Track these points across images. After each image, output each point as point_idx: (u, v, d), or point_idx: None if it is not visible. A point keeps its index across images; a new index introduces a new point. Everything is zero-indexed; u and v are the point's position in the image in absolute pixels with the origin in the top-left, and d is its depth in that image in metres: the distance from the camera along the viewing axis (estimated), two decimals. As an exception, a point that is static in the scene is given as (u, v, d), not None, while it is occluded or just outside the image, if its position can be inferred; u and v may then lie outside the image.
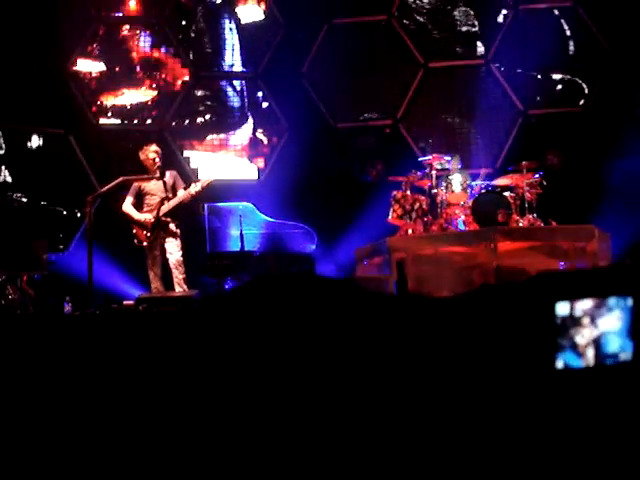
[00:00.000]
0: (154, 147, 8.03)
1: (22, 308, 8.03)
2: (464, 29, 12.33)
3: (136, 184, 7.97)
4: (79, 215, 10.80)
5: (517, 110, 11.97)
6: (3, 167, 10.93)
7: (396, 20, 12.20)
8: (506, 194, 9.13)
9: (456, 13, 12.30)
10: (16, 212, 10.78)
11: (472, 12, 12.24)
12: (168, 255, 7.89)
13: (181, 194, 7.91)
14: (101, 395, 3.78)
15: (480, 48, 12.31)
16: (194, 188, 7.84)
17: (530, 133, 11.79)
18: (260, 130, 12.18)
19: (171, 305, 6.60)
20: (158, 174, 7.87)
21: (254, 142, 12.14)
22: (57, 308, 8.11)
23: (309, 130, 11.69)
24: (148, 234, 7.88)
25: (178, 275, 7.84)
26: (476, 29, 12.31)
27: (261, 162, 12.07)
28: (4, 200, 10.80)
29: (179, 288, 7.78)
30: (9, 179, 10.91)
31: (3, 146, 10.95)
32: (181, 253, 7.89)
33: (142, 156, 8.03)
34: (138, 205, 8.00)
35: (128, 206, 7.96)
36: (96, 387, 4.02)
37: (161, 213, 7.85)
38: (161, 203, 7.89)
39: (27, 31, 10.65)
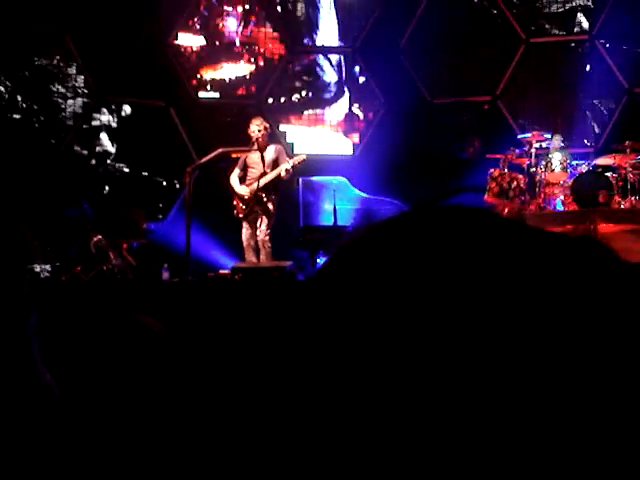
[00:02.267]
0: (257, 121, 8.14)
1: (123, 274, 8.30)
2: (569, 3, 11.97)
3: (243, 156, 8.12)
4: (178, 186, 11.06)
5: (622, 88, 11.54)
6: (106, 137, 11.26)
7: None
8: (608, 174, 8.86)
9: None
10: (118, 182, 11.13)
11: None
12: (257, 231, 8.04)
13: (277, 170, 8.02)
14: (199, 359, 3.89)
15: (584, 24, 11.92)
16: (286, 165, 7.93)
17: (635, 112, 11.37)
18: (356, 105, 12.15)
19: (265, 275, 6.72)
20: (256, 147, 7.97)
21: (350, 117, 12.13)
22: (156, 275, 8.35)
23: (405, 105, 11.58)
24: (244, 207, 8.04)
25: (264, 248, 7.98)
26: (580, 3, 11.92)
27: (356, 137, 12.05)
28: (107, 170, 11.15)
29: (264, 259, 7.93)
30: (112, 149, 11.25)
31: (115, 119, 11.29)
32: (268, 232, 8.01)
33: (248, 129, 8.18)
34: (242, 177, 8.17)
35: (234, 178, 8.14)
36: (196, 352, 4.14)
37: (255, 188, 7.97)
38: (259, 177, 8.01)
39: (131, 5, 10.87)
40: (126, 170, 11.27)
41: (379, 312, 0.58)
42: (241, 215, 8.10)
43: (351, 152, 12.00)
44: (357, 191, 9.78)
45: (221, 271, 7.84)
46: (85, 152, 11.18)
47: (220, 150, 7.60)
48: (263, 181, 7.94)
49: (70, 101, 11.12)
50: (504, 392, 0.56)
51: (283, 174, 7.94)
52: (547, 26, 12.03)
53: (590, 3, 11.82)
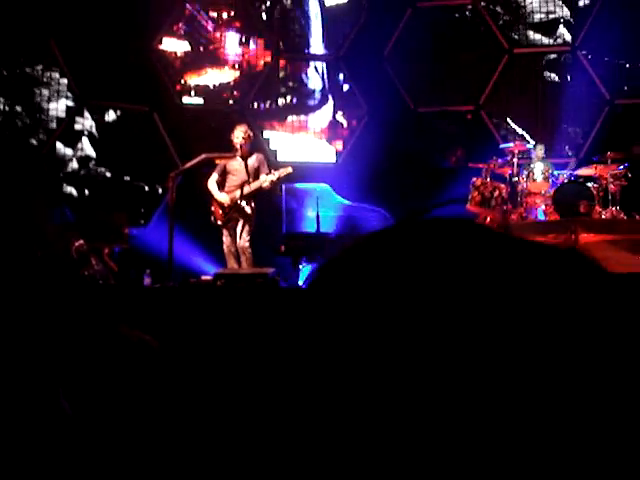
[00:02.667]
0: (242, 128, 8.11)
1: (104, 279, 8.26)
2: (551, 14, 12.07)
3: (222, 162, 8.09)
4: (160, 191, 11.02)
5: (604, 99, 11.66)
6: (88, 141, 11.21)
7: (481, 5, 12.01)
8: (589, 185, 8.93)
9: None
10: (100, 186, 11.07)
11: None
12: (237, 237, 8.02)
13: (261, 179, 8.00)
14: (182, 366, 3.87)
15: (567, 35, 12.02)
16: (271, 177, 7.91)
17: (616, 123, 11.47)
18: (340, 112, 12.18)
19: (248, 282, 6.71)
20: (240, 154, 7.95)
21: (333, 124, 12.15)
22: (137, 280, 8.31)
23: (389, 114, 11.62)
24: (223, 214, 8.03)
25: (244, 254, 7.97)
26: (563, 15, 12.03)
27: (340, 145, 12.08)
28: (89, 174, 11.10)
29: (245, 266, 7.91)
30: (94, 154, 11.19)
31: (98, 123, 11.24)
32: (248, 238, 7.99)
33: (232, 135, 8.15)
34: (221, 183, 8.12)
35: (212, 183, 8.08)
36: (177, 358, 4.12)
37: (237, 197, 7.96)
38: (241, 185, 7.99)
39: (116, 9, 10.84)
40: (108, 174, 11.23)
41: (372, 319, 0.60)
42: (219, 222, 8.09)
43: (334, 159, 12.03)
44: (340, 198, 9.79)
45: (203, 277, 7.82)
46: (67, 156, 11.12)
47: (204, 156, 7.58)
48: (247, 190, 7.92)
49: (53, 105, 11.07)
50: (488, 395, 0.57)
51: (266, 185, 7.92)
52: (530, 37, 12.12)
53: (570, 16, 11.93)
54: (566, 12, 12.00)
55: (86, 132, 11.24)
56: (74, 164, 11.15)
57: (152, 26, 11.57)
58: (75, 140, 11.18)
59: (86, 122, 11.27)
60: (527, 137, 10.31)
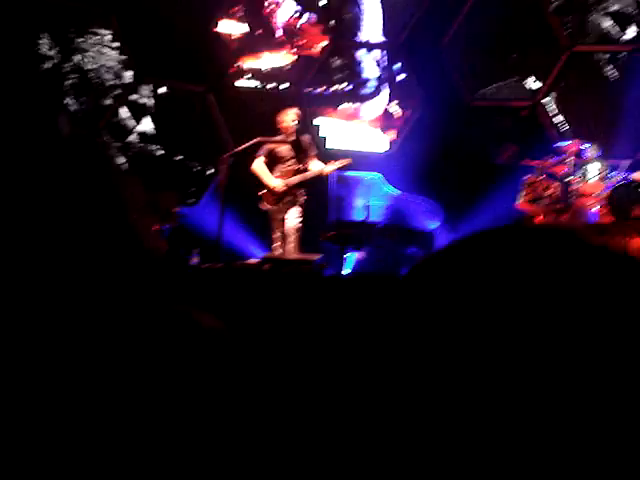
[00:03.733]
0: (294, 111, 8.11)
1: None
2: (615, 10, 11.83)
3: (270, 145, 8.09)
4: (212, 171, 11.10)
5: (665, 101, 11.39)
6: (147, 118, 11.33)
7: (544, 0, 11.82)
8: (645, 188, 8.77)
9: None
10: (153, 164, 11.19)
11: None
12: (286, 220, 8.02)
13: (314, 167, 7.97)
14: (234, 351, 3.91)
15: (631, 32, 11.76)
16: (329, 167, 7.90)
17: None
18: (395, 102, 12.11)
19: (294, 267, 6.74)
20: (293, 138, 7.96)
21: (388, 113, 12.09)
22: (185, 260, 8.39)
23: (444, 105, 11.52)
24: (276, 199, 8.02)
25: (292, 240, 7.96)
26: (629, 11, 11.77)
27: (393, 134, 12.01)
28: (142, 151, 11.22)
29: (292, 252, 7.92)
30: (150, 131, 11.31)
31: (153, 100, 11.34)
32: (299, 220, 7.99)
33: (282, 118, 8.13)
34: (269, 167, 8.12)
35: (261, 165, 8.07)
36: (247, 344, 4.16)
37: (293, 183, 7.95)
38: (293, 171, 7.98)
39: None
40: (161, 152, 11.34)
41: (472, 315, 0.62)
42: (270, 206, 8.09)
43: (387, 148, 11.96)
44: (390, 188, 9.74)
45: (250, 260, 7.87)
46: (123, 131, 11.27)
47: (257, 139, 7.61)
48: (298, 179, 7.91)
49: (111, 81, 11.21)
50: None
51: (325, 173, 7.93)
52: (592, 33, 11.90)
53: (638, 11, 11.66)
54: (632, 9, 11.73)
55: (142, 108, 11.36)
56: (129, 139, 11.29)
57: (210, 7, 11.63)
58: (135, 114, 11.32)
59: (142, 99, 11.40)
60: (583, 136, 10.10)
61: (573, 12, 11.89)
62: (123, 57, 11.20)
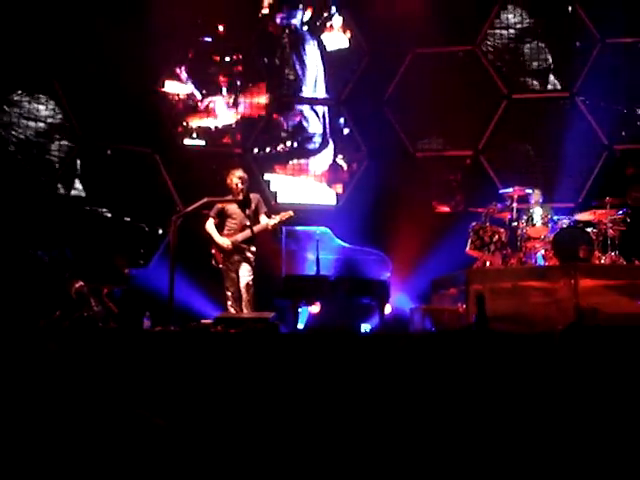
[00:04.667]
0: (239, 172, 8.18)
1: (104, 321, 8.23)
2: (548, 61, 12.23)
3: (219, 205, 8.13)
4: (161, 232, 11.04)
5: (602, 144, 11.76)
6: (89, 181, 11.25)
7: (480, 51, 12.17)
8: (588, 230, 8.97)
9: (539, 45, 12.22)
10: (100, 226, 11.09)
11: (554, 45, 12.14)
12: (240, 277, 8.03)
13: (262, 222, 8.03)
14: (182, 408, 3.85)
15: (557, 84, 12.16)
16: (272, 221, 7.96)
17: (615, 168, 11.56)
18: (340, 156, 12.27)
19: (248, 326, 6.69)
20: (240, 197, 8.00)
21: (334, 168, 12.24)
22: (137, 323, 8.27)
23: (389, 158, 11.72)
24: (224, 257, 8.05)
25: (245, 298, 7.97)
26: (556, 62, 12.19)
27: (340, 188, 12.15)
28: (89, 214, 11.11)
29: (245, 310, 7.91)
30: (95, 194, 11.22)
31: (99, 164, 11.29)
32: (251, 277, 8.02)
33: (228, 179, 8.20)
34: (220, 226, 8.16)
35: (211, 226, 8.14)
36: (178, 402, 4.10)
37: (238, 240, 7.99)
38: (241, 228, 8.03)
39: (118, 52, 10.96)
40: (108, 215, 11.25)
41: None
42: (220, 265, 8.11)
43: (335, 202, 12.08)
44: (339, 241, 9.79)
45: (203, 321, 7.79)
46: (68, 196, 11.16)
47: (206, 199, 7.60)
48: (248, 233, 7.95)
49: (55, 145, 11.14)
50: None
51: (269, 228, 7.99)
52: (527, 83, 12.27)
53: (570, 62, 12.06)
54: (563, 60, 12.14)
55: (87, 173, 11.29)
56: (74, 205, 11.18)
57: (155, 68, 11.70)
58: (75, 180, 11.23)
59: (87, 163, 11.33)
60: (526, 183, 10.33)
61: (508, 63, 12.25)
62: (67, 121, 11.14)
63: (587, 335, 2.28)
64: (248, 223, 8.01)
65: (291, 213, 8.13)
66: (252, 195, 8.21)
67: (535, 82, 12.25)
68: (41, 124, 11.06)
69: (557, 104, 12.11)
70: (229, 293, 8.10)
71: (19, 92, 10.93)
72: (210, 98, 12.07)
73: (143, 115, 11.34)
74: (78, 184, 11.25)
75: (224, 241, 8.02)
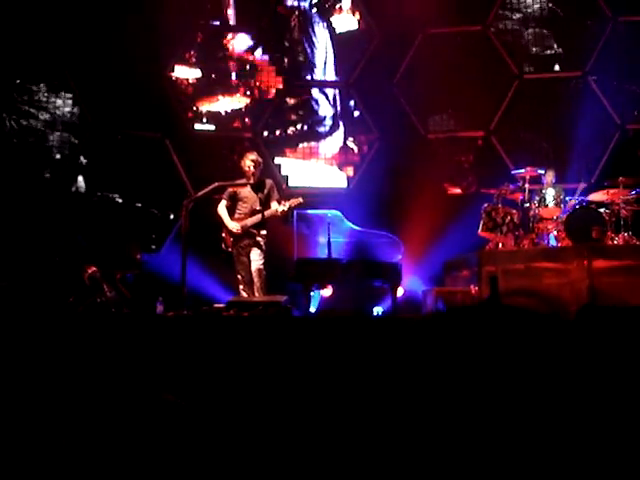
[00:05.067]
0: (252, 156, 8.15)
1: (117, 307, 8.26)
2: (559, 41, 12.14)
3: (232, 188, 8.12)
4: (172, 217, 11.06)
5: (614, 124, 11.67)
6: (101, 168, 11.27)
7: (491, 31, 12.08)
8: (601, 210, 8.92)
9: (550, 25, 12.13)
10: (112, 212, 11.12)
11: (566, 24, 12.04)
12: (251, 261, 8.02)
13: (272, 207, 8.02)
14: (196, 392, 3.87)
15: (567, 63, 12.07)
16: (282, 207, 7.93)
17: (627, 148, 11.48)
18: (351, 139, 12.23)
19: (261, 310, 6.70)
20: (252, 181, 7.99)
21: (344, 150, 12.20)
22: (150, 308, 8.30)
23: (400, 140, 11.67)
24: (234, 241, 8.04)
25: (257, 282, 7.96)
26: (568, 42, 12.09)
27: (351, 170, 12.12)
28: (101, 200, 11.14)
29: (257, 294, 7.91)
30: (106, 180, 11.24)
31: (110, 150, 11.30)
32: (262, 262, 8.00)
33: (241, 162, 8.18)
34: (231, 209, 8.14)
35: (223, 209, 8.12)
36: (191, 386, 4.12)
37: (248, 225, 7.97)
38: (251, 213, 8.02)
39: (128, 37, 10.94)
40: (119, 201, 11.27)
41: None
42: (230, 249, 8.10)
43: (346, 185, 12.06)
44: (351, 224, 9.77)
45: (216, 305, 7.81)
46: (79, 183, 11.19)
47: (216, 184, 7.60)
48: (258, 218, 7.93)
49: (66, 133, 11.16)
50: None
51: (278, 214, 7.97)
52: (540, 62, 12.18)
53: (583, 41, 11.96)
54: (576, 39, 12.04)
55: (98, 159, 11.31)
56: (86, 191, 11.21)
57: (164, 53, 11.68)
58: (88, 168, 11.26)
59: (99, 149, 11.35)
60: (539, 163, 10.27)
61: (520, 43, 12.16)
62: (78, 108, 11.15)
63: (602, 315, 2.27)
64: (259, 208, 8.00)
65: (300, 200, 8.10)
66: (266, 181, 8.19)
67: (547, 62, 12.15)
68: (52, 113, 11.08)
69: (569, 84, 12.02)
70: (240, 277, 8.10)
71: (31, 81, 10.95)
72: (220, 81, 12.04)
73: (153, 100, 11.34)
74: (89, 171, 11.28)
75: (234, 225, 8.01)
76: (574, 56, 12.06)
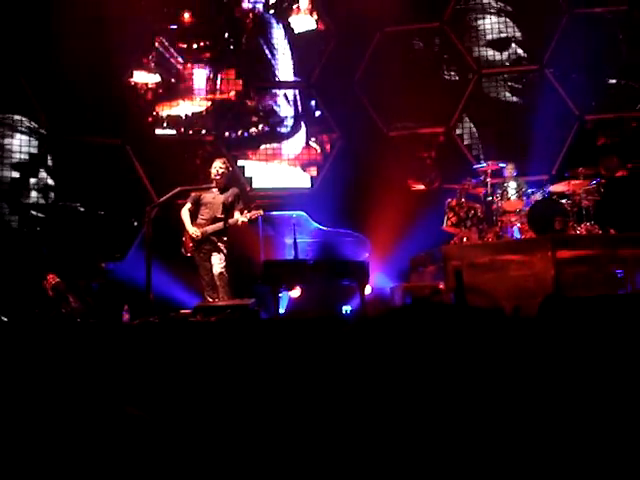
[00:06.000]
0: (219, 162, 8.13)
1: (83, 317, 8.16)
2: (516, 34, 12.24)
3: (197, 193, 8.08)
4: (136, 224, 10.96)
5: (573, 115, 11.80)
6: (61, 176, 11.12)
7: (448, 27, 12.15)
8: (563, 201, 9.01)
9: (507, 19, 12.23)
10: (75, 222, 10.98)
11: (523, 18, 12.16)
12: (212, 265, 7.99)
13: (234, 217, 7.99)
14: (166, 403, 3.82)
15: (521, 53, 12.18)
16: (242, 218, 7.91)
17: (586, 139, 11.62)
18: (313, 139, 12.22)
19: (227, 314, 6.66)
20: (215, 186, 7.96)
21: (307, 151, 12.19)
22: (116, 316, 8.22)
23: (362, 138, 11.69)
24: (194, 246, 8.00)
25: (220, 286, 7.93)
26: (524, 35, 12.20)
27: (314, 171, 12.12)
28: (62, 209, 11.00)
29: (223, 297, 7.87)
30: (67, 189, 11.11)
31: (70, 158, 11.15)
32: (223, 265, 7.96)
33: (210, 167, 8.17)
34: (195, 213, 8.10)
35: (185, 213, 8.08)
36: (160, 395, 4.07)
37: (208, 231, 7.94)
38: (213, 220, 7.98)
39: (85, 44, 10.82)
40: (82, 210, 11.13)
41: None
42: (189, 254, 8.07)
43: (309, 185, 12.05)
44: (316, 224, 9.77)
45: (182, 311, 7.75)
46: (39, 192, 11.04)
47: (179, 189, 7.55)
48: (213, 228, 7.91)
49: (25, 140, 11.00)
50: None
51: (239, 224, 7.96)
52: (498, 56, 12.27)
53: (539, 34, 12.08)
54: (532, 32, 12.16)
55: (58, 167, 11.16)
56: (47, 201, 11.06)
57: (122, 59, 11.57)
58: (47, 175, 11.11)
59: (58, 157, 11.20)
60: (500, 157, 10.35)
61: (475, 38, 12.25)
62: (36, 116, 11.00)
63: (566, 306, 2.28)
64: (220, 215, 7.96)
65: (261, 212, 8.09)
66: (232, 188, 8.17)
67: (504, 55, 12.25)
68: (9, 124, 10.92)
69: (527, 77, 12.13)
70: (205, 282, 8.06)
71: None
72: (179, 85, 11.96)
73: (113, 107, 11.23)
74: (50, 180, 11.12)
75: (194, 230, 7.97)
76: (532, 49, 12.18)
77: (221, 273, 7.93)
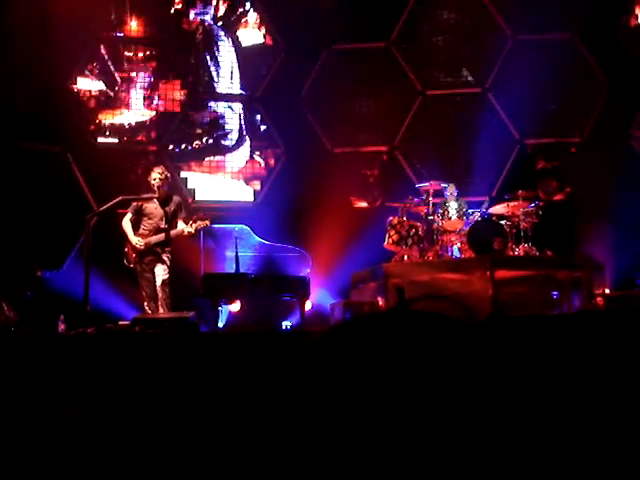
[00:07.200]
0: (159, 170, 8.04)
1: (17, 326, 7.97)
2: (462, 58, 12.45)
3: (139, 203, 7.98)
4: (74, 233, 10.75)
5: (513, 139, 12.04)
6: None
7: (395, 47, 12.29)
8: (502, 222, 9.18)
9: (453, 42, 12.42)
10: (10, 229, 10.72)
11: (468, 41, 12.36)
12: (155, 276, 7.91)
13: (179, 227, 7.92)
14: (98, 414, 3.75)
15: (470, 77, 12.39)
16: (188, 229, 7.85)
17: (526, 162, 11.86)
18: (257, 153, 12.20)
19: (167, 327, 6.59)
20: (158, 195, 7.87)
21: (251, 165, 12.16)
22: (51, 326, 8.05)
23: (306, 154, 11.73)
24: (136, 257, 7.90)
25: (162, 296, 7.85)
26: (469, 59, 12.41)
27: (257, 185, 12.08)
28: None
29: (162, 309, 7.79)
30: (5, 195, 10.86)
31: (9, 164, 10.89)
32: (167, 276, 7.89)
33: (148, 177, 8.07)
34: (136, 223, 7.99)
35: (127, 223, 7.98)
36: (93, 407, 4.00)
37: (151, 242, 7.85)
38: (156, 230, 7.89)
39: (28, 48, 10.63)
40: (18, 217, 10.88)
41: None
42: (132, 265, 7.96)
43: (252, 199, 12.02)
44: (258, 238, 9.75)
45: (121, 322, 7.64)
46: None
47: (120, 198, 7.45)
48: (157, 239, 7.82)
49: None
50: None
51: (185, 234, 7.88)
52: (442, 78, 12.45)
53: (483, 58, 12.29)
54: (476, 56, 12.36)
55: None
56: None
57: (65, 66, 11.40)
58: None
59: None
60: (441, 177, 10.50)
61: (422, 59, 12.41)
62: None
63: (506, 325, 2.32)
64: (164, 226, 7.88)
65: (208, 222, 8.03)
66: (174, 197, 8.10)
67: (449, 78, 12.44)
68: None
69: (470, 100, 12.33)
70: (145, 293, 7.96)
71: None
72: (124, 94, 11.84)
73: (54, 114, 11.04)
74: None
75: (138, 241, 7.87)
76: (477, 72, 12.38)
77: (164, 282, 7.85)
